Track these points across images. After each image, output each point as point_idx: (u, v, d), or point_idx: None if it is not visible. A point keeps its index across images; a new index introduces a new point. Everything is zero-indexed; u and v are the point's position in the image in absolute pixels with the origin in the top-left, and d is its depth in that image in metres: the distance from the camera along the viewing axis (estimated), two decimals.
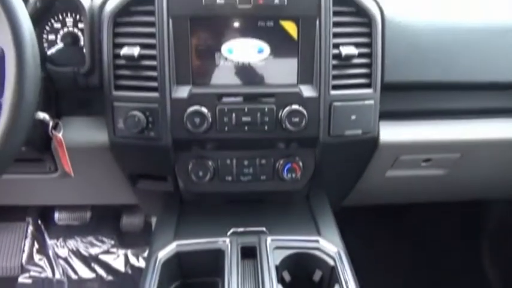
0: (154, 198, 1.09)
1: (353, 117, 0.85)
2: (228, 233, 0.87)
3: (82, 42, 0.89)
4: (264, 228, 0.87)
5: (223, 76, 0.84)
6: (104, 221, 1.63)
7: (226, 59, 0.83)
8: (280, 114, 0.83)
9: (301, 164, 0.90)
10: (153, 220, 1.48)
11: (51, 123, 0.80)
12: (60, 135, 0.82)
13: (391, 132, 0.93)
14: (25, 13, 0.62)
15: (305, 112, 0.82)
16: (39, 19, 0.82)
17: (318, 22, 0.82)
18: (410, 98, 0.95)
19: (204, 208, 1.00)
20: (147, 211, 1.24)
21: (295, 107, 0.82)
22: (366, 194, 1.14)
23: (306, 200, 1.02)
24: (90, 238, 1.61)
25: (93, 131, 0.89)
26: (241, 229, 0.87)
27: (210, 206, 1.00)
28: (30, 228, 1.57)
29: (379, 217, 1.55)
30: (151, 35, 0.81)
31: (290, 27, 0.82)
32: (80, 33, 0.89)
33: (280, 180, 0.92)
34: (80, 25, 0.89)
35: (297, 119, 0.83)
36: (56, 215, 1.57)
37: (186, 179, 0.91)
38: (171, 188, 0.98)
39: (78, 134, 0.89)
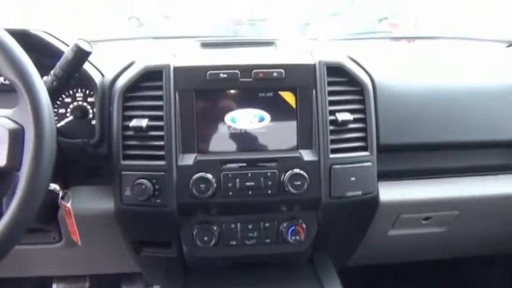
0: (157, 265, 1.07)
1: (352, 178, 0.88)
2: None
3: (90, 115, 0.93)
4: None
5: (227, 143, 0.88)
6: None
7: (229, 127, 0.87)
8: (282, 178, 0.86)
9: (304, 226, 0.92)
10: None
11: (60, 194, 0.82)
12: (68, 205, 0.84)
13: (390, 192, 0.96)
14: (46, 94, 0.65)
15: (306, 175, 0.85)
16: (55, 97, 0.87)
17: (314, 92, 0.87)
18: (407, 158, 0.98)
19: (208, 274, 0.99)
20: (149, 279, 1.22)
21: (296, 170, 0.86)
22: (370, 254, 1.13)
23: (310, 262, 1.02)
24: None
25: (98, 199, 0.91)
26: None
27: (214, 272, 0.99)
28: None
29: (384, 275, 1.52)
30: (159, 108, 0.85)
31: (288, 97, 0.88)
32: (88, 107, 0.94)
33: (284, 242, 0.92)
34: (89, 99, 0.93)
35: (298, 182, 0.85)
36: (54, 287, 1.52)
37: (191, 244, 0.92)
38: (175, 254, 0.98)
39: (83, 202, 0.90)
